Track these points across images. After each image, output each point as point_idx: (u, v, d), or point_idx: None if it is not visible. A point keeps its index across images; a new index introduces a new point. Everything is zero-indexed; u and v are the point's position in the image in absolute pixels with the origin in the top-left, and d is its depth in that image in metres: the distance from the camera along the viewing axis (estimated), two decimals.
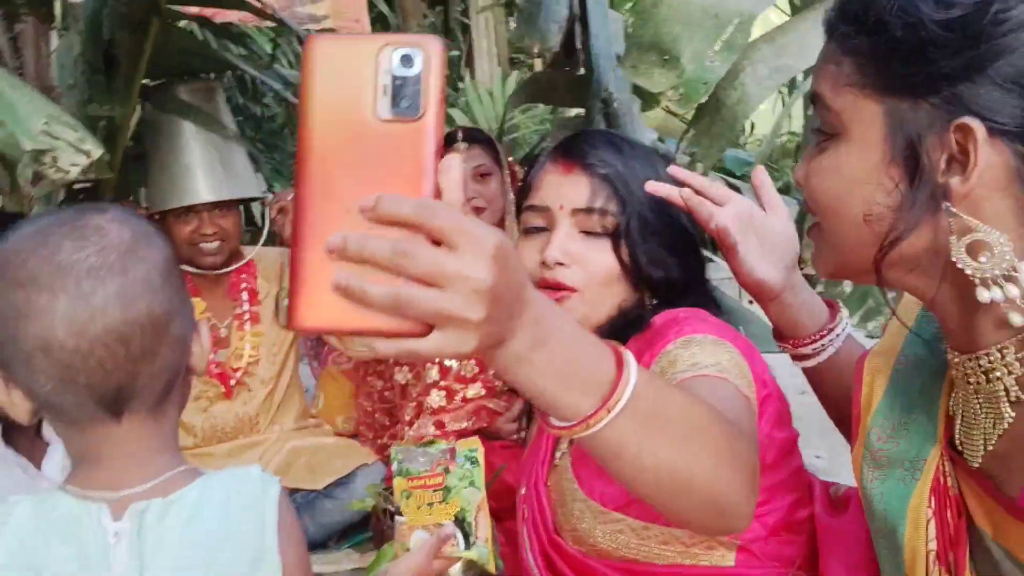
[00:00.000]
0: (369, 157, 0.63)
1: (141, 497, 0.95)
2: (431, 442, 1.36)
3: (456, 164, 0.64)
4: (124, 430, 0.96)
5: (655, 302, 1.28)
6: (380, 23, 9.19)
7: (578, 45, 2.32)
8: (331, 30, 4.49)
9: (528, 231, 1.31)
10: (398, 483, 1.31)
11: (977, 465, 0.84)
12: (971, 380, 0.84)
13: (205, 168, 2.56)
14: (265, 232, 2.76)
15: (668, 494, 0.78)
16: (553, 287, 1.26)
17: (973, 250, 0.77)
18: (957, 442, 0.88)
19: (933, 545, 0.87)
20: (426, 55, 0.64)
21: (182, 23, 2.67)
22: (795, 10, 5.00)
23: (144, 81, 2.53)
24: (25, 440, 1.60)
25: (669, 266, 1.27)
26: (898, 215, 0.79)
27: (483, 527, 1.30)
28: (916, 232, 0.79)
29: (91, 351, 0.90)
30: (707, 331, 1.15)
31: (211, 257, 2.57)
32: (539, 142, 4.65)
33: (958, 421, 0.88)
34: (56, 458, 1.61)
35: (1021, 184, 0.76)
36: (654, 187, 1.19)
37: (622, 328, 1.25)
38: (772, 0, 1.63)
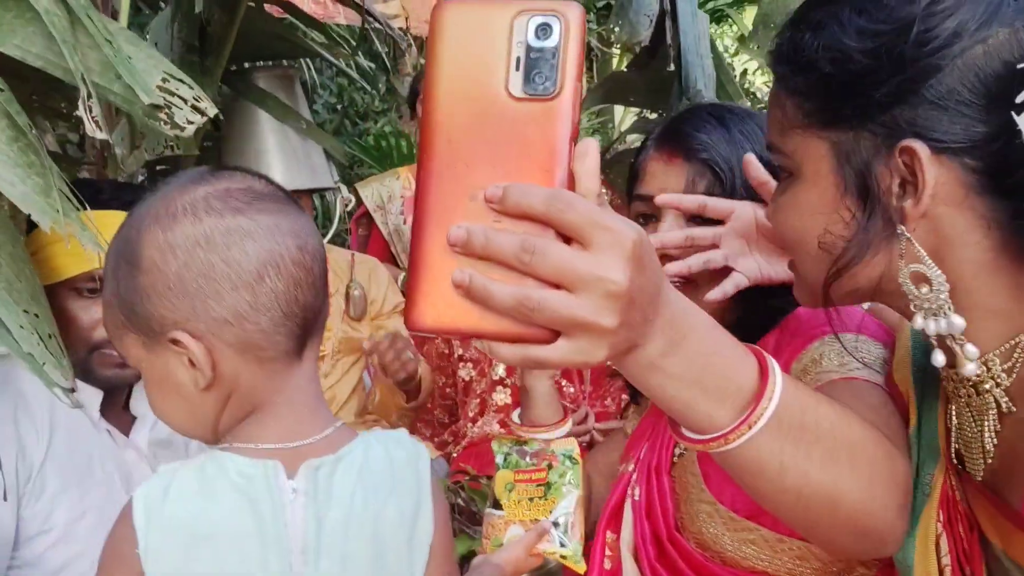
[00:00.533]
0: (498, 138, 0.57)
1: (313, 453, 0.95)
2: (525, 442, 1.33)
3: (594, 149, 0.58)
4: (302, 371, 0.95)
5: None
6: None
7: (668, 40, 2.30)
8: (402, 30, 4.52)
9: (636, 220, 1.23)
10: (503, 475, 1.28)
11: (980, 478, 0.83)
12: (961, 393, 0.83)
13: (279, 156, 2.56)
14: (335, 226, 2.74)
15: (812, 516, 0.74)
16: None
17: (917, 279, 0.77)
18: (954, 456, 0.87)
19: (947, 560, 0.84)
20: (565, 24, 0.57)
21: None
22: None
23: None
24: (114, 413, 1.62)
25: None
26: (851, 243, 0.79)
27: (579, 525, 1.27)
28: (873, 258, 0.78)
29: (311, 266, 0.91)
30: (858, 329, 1.06)
31: None
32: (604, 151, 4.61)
33: (955, 435, 0.86)
34: (143, 431, 1.64)
35: (976, 196, 0.75)
36: (749, 160, 1.12)
37: (750, 323, 1.17)
38: None
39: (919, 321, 0.78)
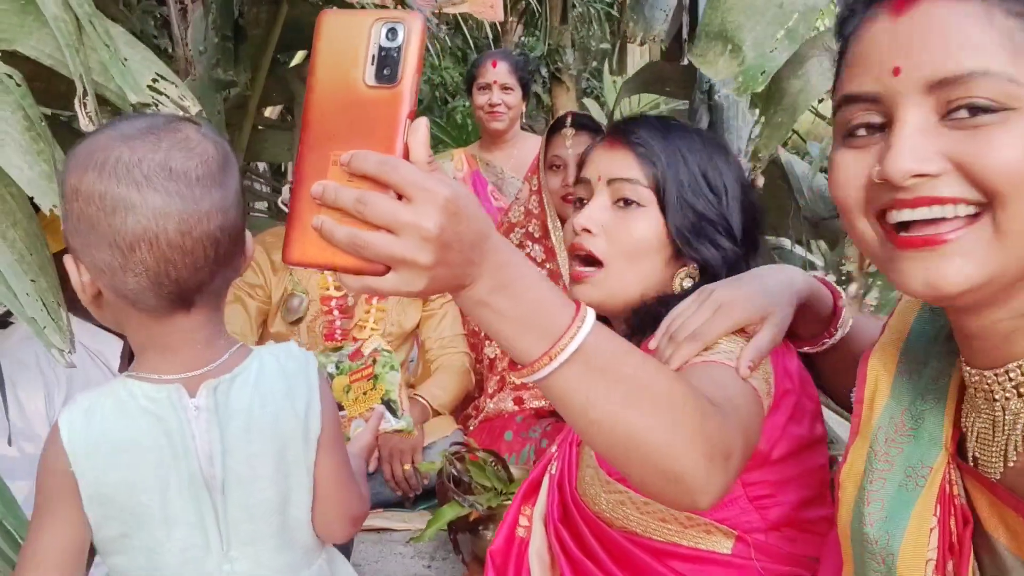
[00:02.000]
0: (355, 117, 0.72)
1: (210, 375, 1.12)
2: (339, 347, 1.49)
3: (423, 126, 0.73)
4: (193, 320, 1.10)
5: (693, 282, 1.29)
6: (531, 15, 9.36)
7: (684, 36, 2.34)
8: (468, 16, 4.60)
9: (576, 203, 1.37)
10: (339, 381, 1.44)
11: (997, 479, 0.84)
12: (997, 396, 0.83)
13: None
14: None
15: (616, 451, 0.82)
16: (582, 256, 1.31)
17: None
18: (970, 454, 0.87)
19: (933, 554, 0.86)
20: (408, 29, 0.73)
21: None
22: None
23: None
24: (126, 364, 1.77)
25: (707, 244, 1.28)
26: None
27: (405, 400, 1.50)
28: None
29: (192, 250, 1.03)
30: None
31: None
32: None
33: (972, 436, 0.87)
34: None
35: None
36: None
37: (655, 307, 1.27)
38: None
39: None
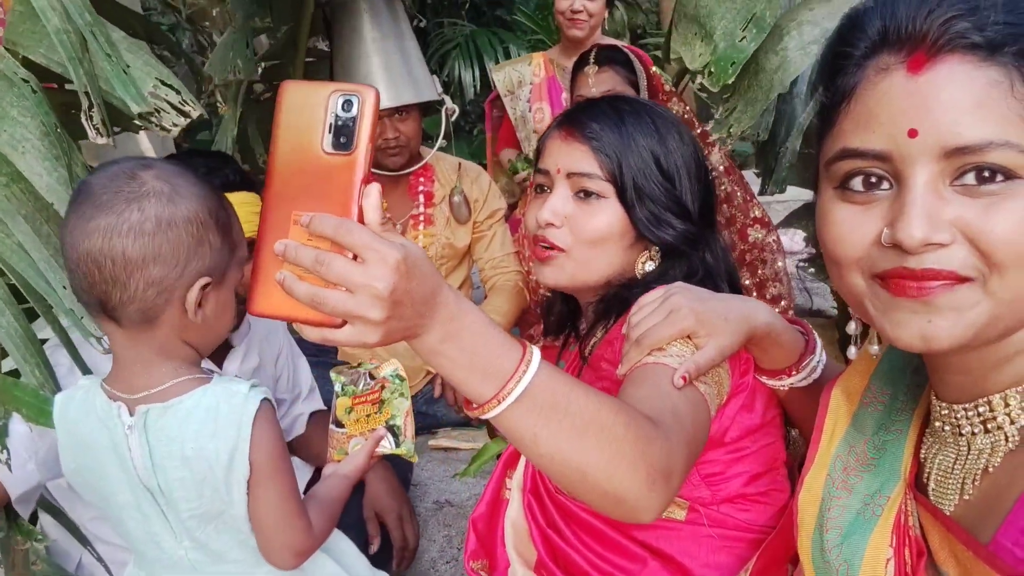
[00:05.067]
0: (314, 181, 0.79)
1: (144, 402, 1.27)
2: (360, 364, 1.53)
3: (375, 191, 0.80)
4: (124, 335, 1.26)
5: (655, 264, 1.36)
6: None
7: None
8: None
9: (536, 192, 1.43)
10: (342, 402, 1.50)
11: (949, 512, 0.85)
12: (964, 431, 0.85)
13: (385, 74, 2.70)
14: (441, 135, 2.88)
15: (565, 480, 0.90)
16: (544, 246, 1.37)
17: None
18: (929, 487, 0.89)
19: None
20: (361, 101, 0.79)
21: None
22: None
23: None
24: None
25: (667, 227, 1.34)
26: None
27: (410, 428, 1.53)
28: None
29: (77, 265, 1.20)
30: None
31: (393, 159, 2.75)
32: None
33: (931, 468, 0.89)
34: (235, 361, 1.90)
35: None
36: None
37: (620, 291, 1.34)
38: None
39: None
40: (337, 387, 1.52)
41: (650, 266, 1.37)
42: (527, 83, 3.65)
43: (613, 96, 1.44)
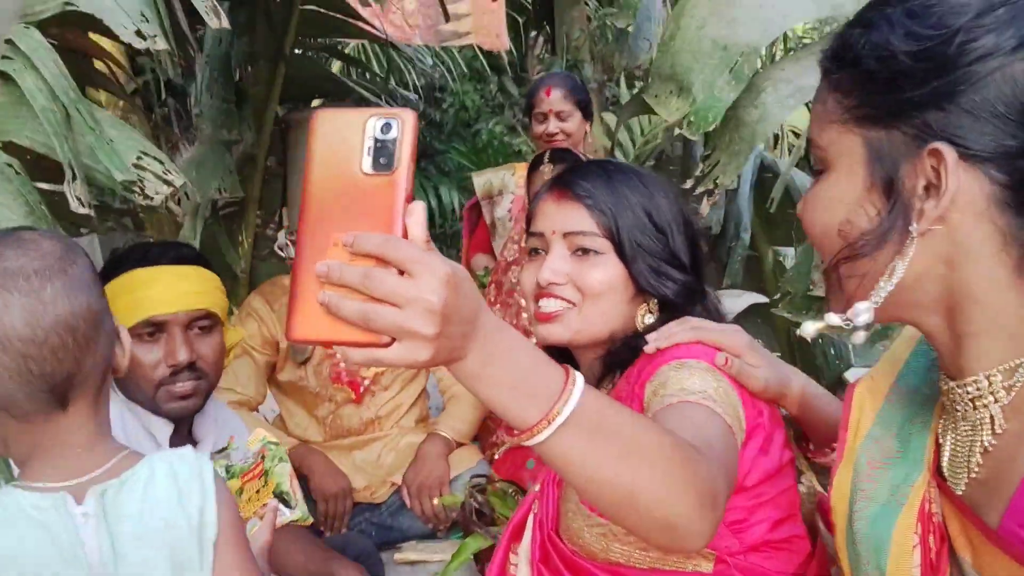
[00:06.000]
0: (354, 202, 0.78)
1: (97, 481, 1.11)
2: (226, 448, 1.52)
3: (419, 208, 0.78)
4: (70, 420, 1.11)
5: (653, 319, 1.36)
6: (546, 35, 9.42)
7: None
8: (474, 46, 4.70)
9: (530, 255, 1.43)
10: (232, 485, 1.45)
11: (960, 492, 0.86)
12: (958, 407, 0.86)
13: None
14: None
15: (614, 507, 0.86)
16: (548, 307, 1.35)
17: (891, 272, 0.83)
18: (943, 469, 0.89)
19: (917, 572, 0.88)
20: (402, 123, 0.79)
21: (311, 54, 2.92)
22: None
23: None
24: (180, 439, 1.78)
25: (666, 280, 1.35)
26: (867, 234, 0.83)
27: (298, 490, 1.50)
28: (882, 253, 0.83)
29: (45, 339, 1.05)
30: (701, 357, 1.21)
31: None
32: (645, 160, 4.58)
33: (945, 447, 0.89)
34: (204, 452, 1.81)
35: (997, 210, 0.78)
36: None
37: (626, 344, 1.33)
38: (777, 32, 1.60)
39: (861, 306, 0.85)
40: (222, 472, 1.46)
41: (650, 319, 1.37)
42: (509, 191, 3.68)
43: (598, 160, 1.49)
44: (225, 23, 1.52)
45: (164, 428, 1.75)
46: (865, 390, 1.04)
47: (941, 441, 0.91)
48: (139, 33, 1.39)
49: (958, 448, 0.87)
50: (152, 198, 1.45)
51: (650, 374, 1.22)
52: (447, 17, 2.87)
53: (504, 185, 3.67)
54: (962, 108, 0.77)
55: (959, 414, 0.87)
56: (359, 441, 2.79)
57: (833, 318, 0.88)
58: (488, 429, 3.00)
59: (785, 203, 2.85)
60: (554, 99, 3.33)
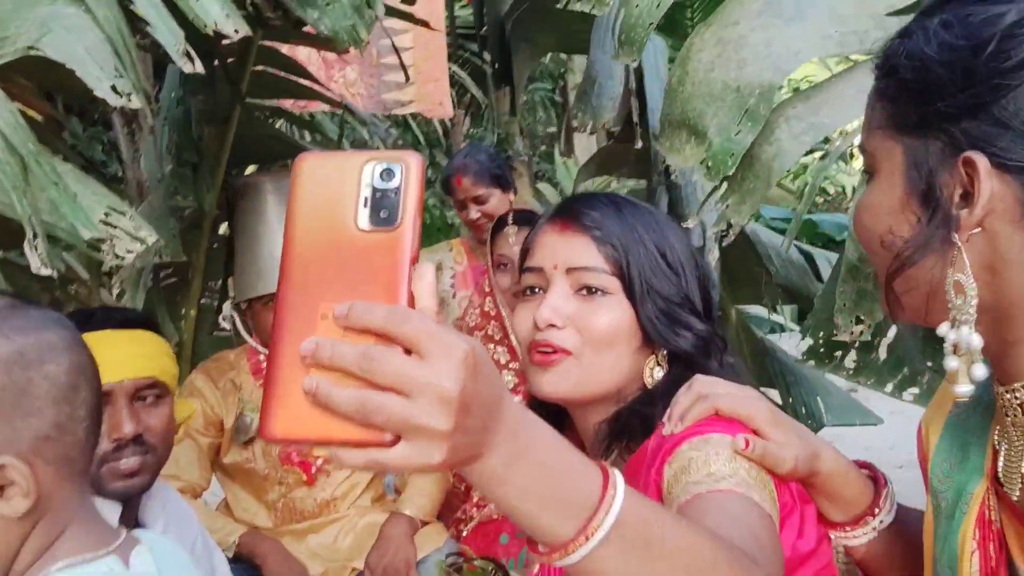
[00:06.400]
0: (347, 265, 0.64)
1: (128, 544, 1.00)
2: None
3: (429, 272, 0.64)
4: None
5: (662, 372, 1.20)
6: (476, 106, 9.55)
7: (635, 119, 2.36)
8: (416, 114, 4.67)
9: (525, 294, 1.25)
10: None
11: (1016, 498, 0.84)
12: (1008, 413, 0.85)
13: None
14: None
15: None
16: (545, 350, 1.19)
17: (958, 288, 0.81)
18: (1000, 475, 0.88)
19: None
20: (405, 168, 0.66)
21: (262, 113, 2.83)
22: None
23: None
24: (127, 525, 1.63)
25: (680, 329, 1.19)
26: (908, 244, 0.83)
27: None
28: (928, 262, 0.82)
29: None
30: (727, 429, 1.05)
31: None
32: None
33: (1001, 454, 0.88)
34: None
35: None
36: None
37: (640, 408, 1.17)
38: (791, 69, 1.60)
39: (943, 328, 0.82)
40: None
41: (659, 372, 1.20)
42: (447, 267, 3.57)
43: (603, 192, 1.35)
44: (199, 68, 1.42)
45: (113, 510, 1.58)
46: (928, 418, 1.03)
47: (997, 447, 0.89)
48: (114, 88, 1.27)
49: (1011, 454, 0.86)
50: (123, 257, 1.32)
51: (668, 453, 1.06)
52: (407, 77, 2.81)
53: (442, 262, 3.57)
54: (995, 117, 0.78)
55: (1010, 420, 0.85)
56: (314, 525, 2.63)
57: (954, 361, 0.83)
58: (451, 505, 2.87)
59: (750, 260, 2.87)
60: (466, 187, 3.29)
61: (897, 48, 0.85)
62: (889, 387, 1.74)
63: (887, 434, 3.15)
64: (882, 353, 1.65)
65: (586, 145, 10.04)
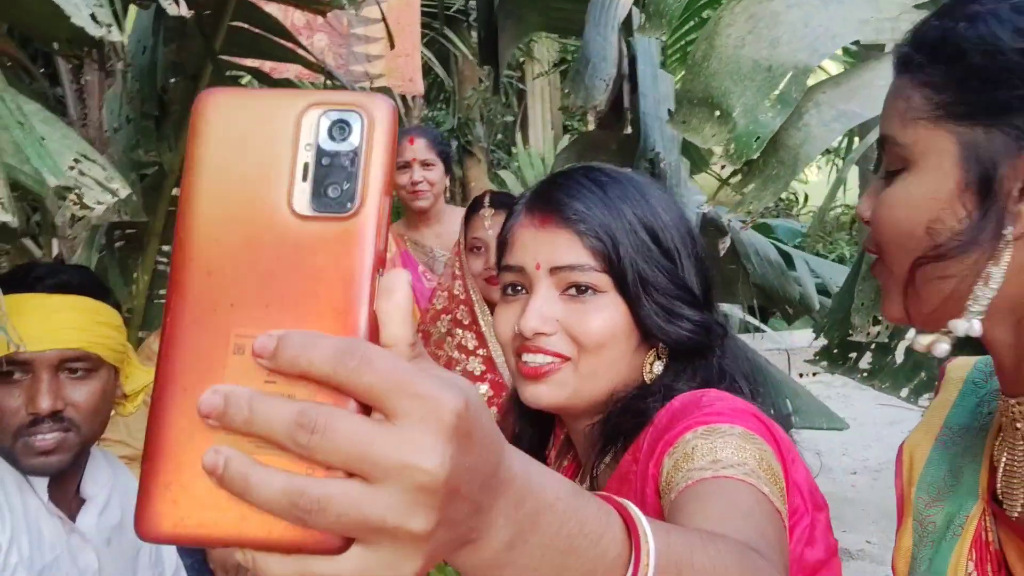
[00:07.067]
0: (276, 270, 0.43)
1: None
2: None
3: (402, 283, 0.43)
4: None
5: (662, 366, 1.12)
6: (437, 88, 9.37)
7: (626, 104, 2.29)
8: (386, 89, 4.52)
9: (506, 293, 1.14)
10: None
11: (1015, 515, 0.83)
12: (1018, 425, 0.84)
13: None
14: None
15: None
16: (538, 361, 1.08)
17: (986, 277, 0.78)
18: (999, 492, 0.87)
19: None
20: (368, 121, 0.44)
21: (237, 73, 2.69)
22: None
23: None
24: (64, 498, 1.57)
25: (679, 321, 1.10)
26: (958, 235, 0.79)
27: None
28: (972, 256, 0.78)
29: None
30: (736, 420, 0.96)
31: None
32: None
33: (1000, 469, 0.88)
34: (91, 515, 1.59)
35: None
36: None
37: (633, 403, 1.09)
38: (828, 52, 1.53)
39: (955, 322, 0.80)
40: None
41: (659, 367, 1.11)
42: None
43: (584, 166, 1.17)
44: (184, 10, 1.30)
45: (41, 481, 1.50)
46: (912, 443, 1.02)
47: (996, 463, 0.89)
48: (94, 17, 1.14)
49: (1015, 467, 0.85)
50: (92, 208, 1.19)
51: (670, 443, 0.98)
52: (392, 44, 2.68)
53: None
54: None
55: (1019, 432, 0.84)
56: None
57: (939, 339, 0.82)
58: None
59: (726, 257, 2.81)
60: (418, 147, 3.28)
61: (963, 32, 0.80)
62: (904, 392, 1.69)
63: (842, 439, 3.14)
64: (899, 356, 1.60)
65: (540, 136, 10.00)
